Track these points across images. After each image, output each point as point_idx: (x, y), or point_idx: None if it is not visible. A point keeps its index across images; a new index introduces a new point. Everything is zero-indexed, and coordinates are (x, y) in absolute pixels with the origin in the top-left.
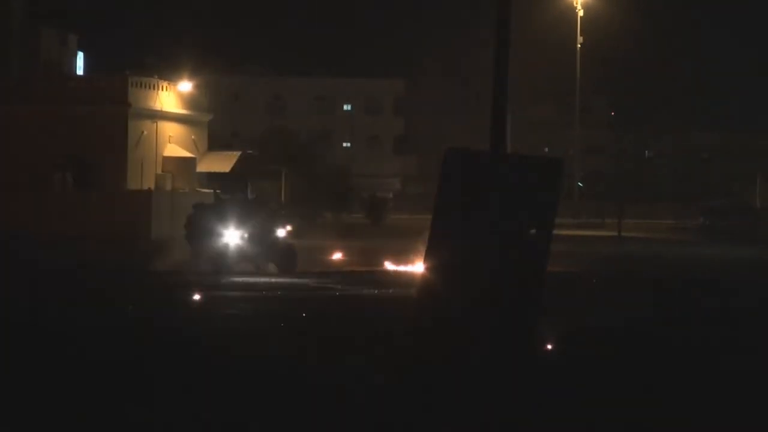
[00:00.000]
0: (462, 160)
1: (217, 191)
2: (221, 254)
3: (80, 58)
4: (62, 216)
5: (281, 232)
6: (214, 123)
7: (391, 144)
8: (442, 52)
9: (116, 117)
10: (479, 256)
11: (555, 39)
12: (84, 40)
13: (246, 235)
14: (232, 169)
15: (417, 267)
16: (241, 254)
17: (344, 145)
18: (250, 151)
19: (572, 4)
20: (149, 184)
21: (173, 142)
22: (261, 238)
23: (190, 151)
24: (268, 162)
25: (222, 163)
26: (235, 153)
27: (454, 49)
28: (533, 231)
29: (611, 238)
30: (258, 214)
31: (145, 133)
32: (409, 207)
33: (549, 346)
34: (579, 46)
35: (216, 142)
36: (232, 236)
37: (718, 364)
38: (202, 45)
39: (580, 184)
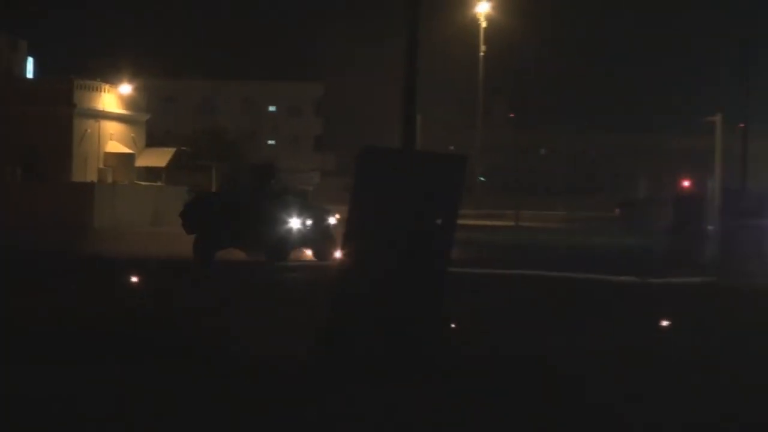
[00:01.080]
0: (375, 156)
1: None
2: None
3: (30, 62)
4: (10, 206)
5: (332, 220)
6: (151, 122)
7: (311, 142)
8: (359, 56)
9: (62, 116)
10: (391, 243)
11: (461, 48)
12: (33, 46)
13: (309, 222)
14: (168, 164)
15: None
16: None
17: (269, 143)
18: (183, 148)
19: (476, 16)
20: (92, 177)
21: (114, 139)
22: (318, 224)
23: (129, 148)
24: (199, 158)
25: (158, 158)
26: (170, 149)
27: (369, 54)
28: (439, 221)
29: (509, 227)
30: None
31: (89, 131)
32: (328, 199)
33: (453, 325)
34: (482, 54)
35: (153, 140)
36: (296, 223)
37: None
38: (141, 51)
39: (481, 178)
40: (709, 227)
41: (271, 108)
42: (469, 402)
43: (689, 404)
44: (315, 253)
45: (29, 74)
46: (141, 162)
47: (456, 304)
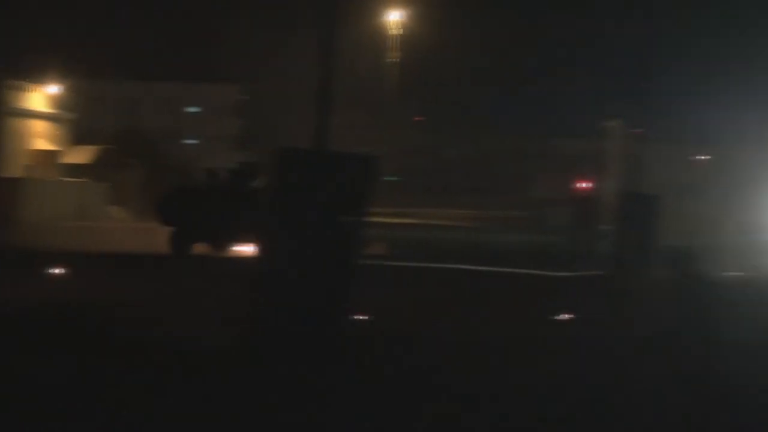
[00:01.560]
0: (291, 156)
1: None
2: None
3: None
4: None
5: None
6: (79, 121)
7: (230, 141)
8: (278, 59)
9: None
10: (305, 237)
11: (373, 54)
12: None
13: None
14: (93, 161)
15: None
16: None
17: (191, 142)
18: (108, 146)
19: (388, 24)
20: (19, 173)
21: (41, 137)
22: None
23: (55, 145)
24: (122, 156)
25: (84, 156)
26: (94, 147)
27: (288, 58)
28: (351, 218)
29: (417, 224)
30: None
31: (17, 129)
32: None
33: (364, 315)
34: (393, 60)
35: (78, 138)
36: None
37: None
38: (67, 51)
39: (391, 177)
40: (604, 226)
41: (194, 109)
42: (363, 378)
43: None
44: None
45: None
46: (67, 159)
47: (369, 295)
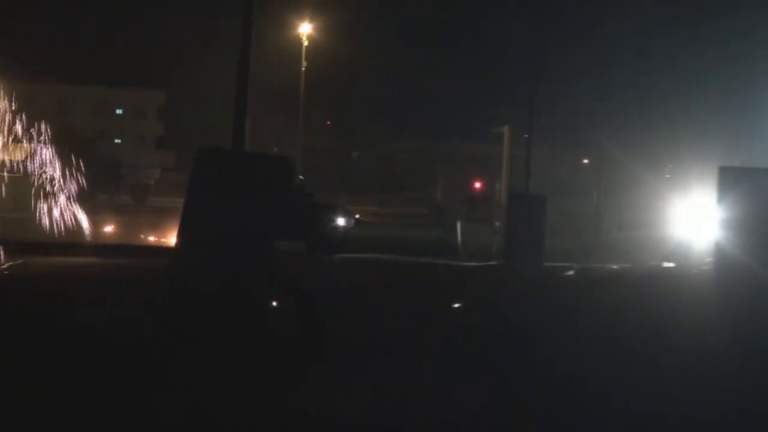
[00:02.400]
0: (209, 155)
1: None
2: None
3: None
4: None
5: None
6: (12, 122)
7: (153, 142)
8: (200, 64)
9: None
10: (222, 233)
11: (286, 62)
12: None
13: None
14: (25, 158)
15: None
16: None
17: (116, 141)
18: (42, 146)
19: (299, 35)
20: None
21: None
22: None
23: None
24: (57, 156)
25: (18, 153)
26: (27, 146)
27: (209, 63)
28: (267, 214)
29: None
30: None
31: None
32: (167, 192)
33: (276, 305)
34: (303, 68)
35: (15, 137)
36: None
37: None
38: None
39: (301, 177)
40: (497, 223)
41: (119, 111)
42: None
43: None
44: None
45: None
46: (2, 156)
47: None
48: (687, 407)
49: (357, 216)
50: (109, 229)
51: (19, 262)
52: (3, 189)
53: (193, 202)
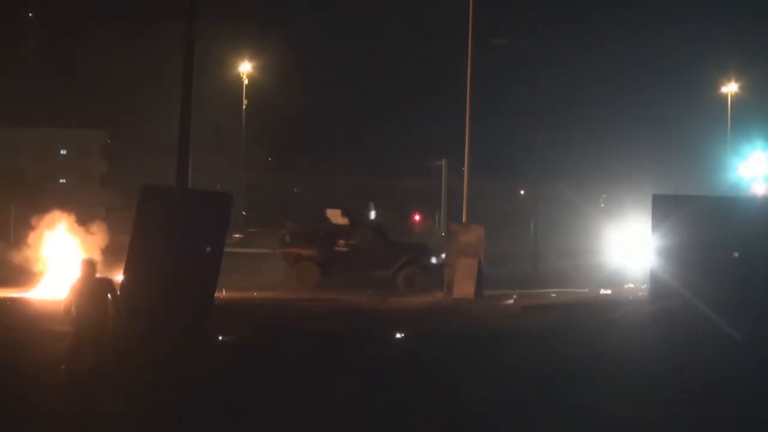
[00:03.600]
0: (154, 193)
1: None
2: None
3: None
4: None
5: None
6: None
7: (98, 181)
8: (144, 104)
9: None
10: (167, 268)
11: (228, 101)
12: None
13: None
14: None
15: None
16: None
17: (61, 181)
18: None
19: (239, 74)
20: None
21: None
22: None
23: None
24: (2, 198)
25: None
26: None
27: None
28: (209, 249)
29: (268, 254)
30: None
31: None
32: (113, 229)
33: (220, 337)
34: (244, 106)
35: None
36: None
37: None
38: None
39: (243, 213)
40: (443, 256)
41: (63, 152)
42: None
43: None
44: None
45: None
46: None
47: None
48: None
49: (443, 255)
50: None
51: None
52: None
53: (139, 239)
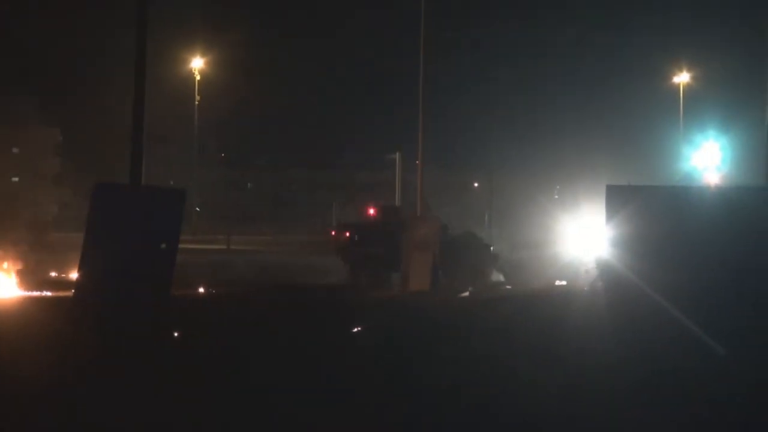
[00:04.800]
0: (107, 190)
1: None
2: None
3: None
4: None
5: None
6: None
7: (51, 179)
8: (97, 102)
9: None
10: (121, 265)
11: (180, 96)
12: None
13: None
14: None
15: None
16: None
17: (14, 179)
18: None
19: (191, 70)
20: None
21: None
22: None
23: None
24: None
25: None
26: None
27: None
28: (163, 245)
29: (222, 250)
30: None
31: None
32: (67, 227)
33: (176, 333)
34: (197, 102)
35: None
36: None
37: None
38: None
39: (197, 209)
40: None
41: (15, 150)
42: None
43: None
44: None
45: None
46: None
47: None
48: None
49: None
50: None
51: None
52: None
53: (93, 236)
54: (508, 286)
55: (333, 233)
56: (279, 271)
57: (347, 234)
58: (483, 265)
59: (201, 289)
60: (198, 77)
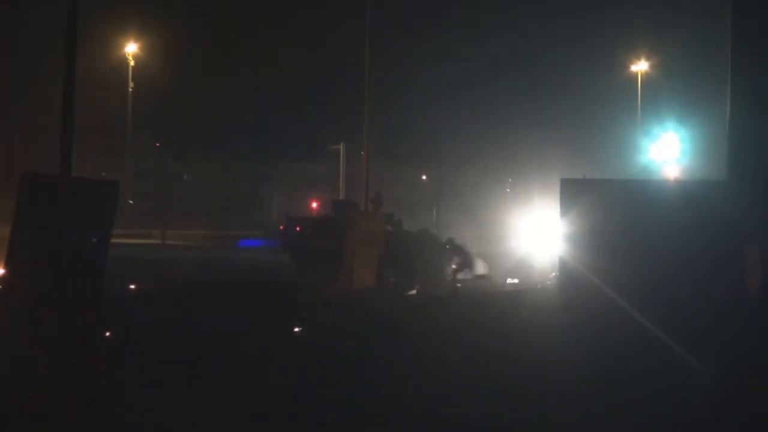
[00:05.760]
0: (35, 182)
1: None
2: None
3: None
4: None
5: None
6: None
7: None
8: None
9: None
10: (51, 260)
11: (114, 83)
12: None
13: None
14: None
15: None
16: None
17: None
18: None
19: (125, 56)
20: None
21: None
22: None
23: None
24: None
25: None
26: None
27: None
28: (95, 240)
29: (156, 245)
30: None
31: None
32: None
33: (108, 333)
34: (131, 89)
35: None
36: None
37: None
38: None
39: (130, 201)
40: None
41: None
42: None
43: None
44: None
45: None
46: None
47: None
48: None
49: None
50: None
51: None
52: None
53: (20, 232)
54: (458, 284)
55: (281, 227)
56: (217, 267)
57: (298, 228)
58: (439, 264)
59: (133, 286)
60: (132, 63)
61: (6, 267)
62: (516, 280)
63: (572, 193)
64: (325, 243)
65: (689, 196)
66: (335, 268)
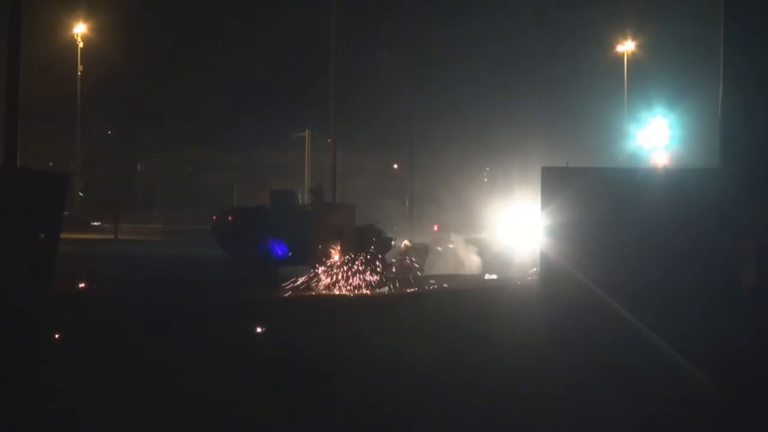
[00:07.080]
0: None
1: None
2: None
3: None
4: None
5: None
6: None
7: None
8: None
9: None
10: None
11: (60, 66)
12: None
13: None
14: None
15: None
16: None
17: None
18: None
19: (74, 37)
20: None
21: None
22: None
23: None
24: None
25: None
26: None
27: None
28: (43, 235)
29: (109, 240)
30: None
31: None
32: None
33: (57, 335)
34: (79, 73)
35: None
36: None
37: None
38: None
39: (80, 194)
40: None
41: None
42: None
43: None
44: None
45: None
46: None
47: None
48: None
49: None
50: None
51: None
52: None
53: None
54: (432, 281)
55: (214, 218)
56: (170, 263)
57: (230, 218)
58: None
59: (83, 285)
60: (81, 44)
61: None
62: (494, 276)
63: (554, 182)
64: (258, 234)
65: (679, 185)
66: (273, 264)
